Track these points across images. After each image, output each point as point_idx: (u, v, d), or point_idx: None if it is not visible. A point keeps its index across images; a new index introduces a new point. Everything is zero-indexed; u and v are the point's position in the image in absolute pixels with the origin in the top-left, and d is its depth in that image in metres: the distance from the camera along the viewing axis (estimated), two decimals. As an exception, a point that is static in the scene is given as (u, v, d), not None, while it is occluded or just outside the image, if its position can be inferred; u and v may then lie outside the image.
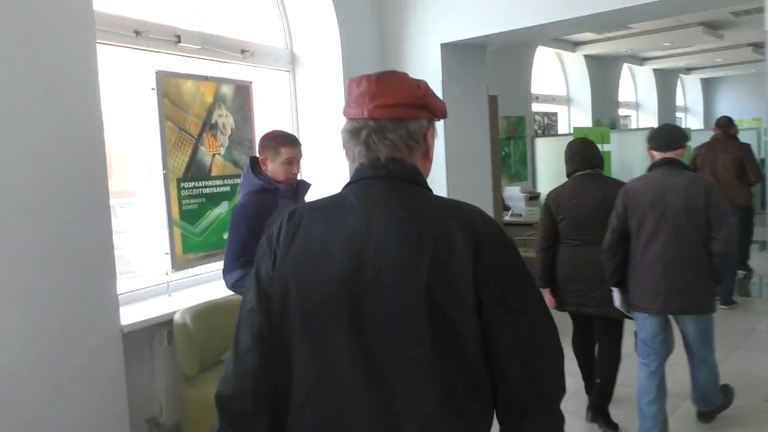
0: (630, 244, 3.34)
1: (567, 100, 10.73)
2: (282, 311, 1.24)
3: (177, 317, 3.25)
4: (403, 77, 1.34)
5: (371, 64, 5.14)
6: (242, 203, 2.84)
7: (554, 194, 3.77)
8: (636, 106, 13.01)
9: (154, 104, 3.74)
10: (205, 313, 3.36)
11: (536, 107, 9.74)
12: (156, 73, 3.75)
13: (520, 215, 7.64)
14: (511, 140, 8.64)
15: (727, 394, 3.71)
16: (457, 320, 1.18)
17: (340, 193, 1.33)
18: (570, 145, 3.84)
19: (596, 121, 10.26)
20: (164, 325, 3.41)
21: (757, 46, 11.34)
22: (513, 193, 7.96)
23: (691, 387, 3.56)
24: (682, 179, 3.23)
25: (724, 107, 15.12)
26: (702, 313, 3.31)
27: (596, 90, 10.60)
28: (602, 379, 3.65)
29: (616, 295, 3.40)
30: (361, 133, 1.28)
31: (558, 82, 10.65)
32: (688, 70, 14.18)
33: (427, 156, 1.36)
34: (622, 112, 12.12)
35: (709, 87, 15.83)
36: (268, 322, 1.26)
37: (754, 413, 3.81)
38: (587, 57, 10.47)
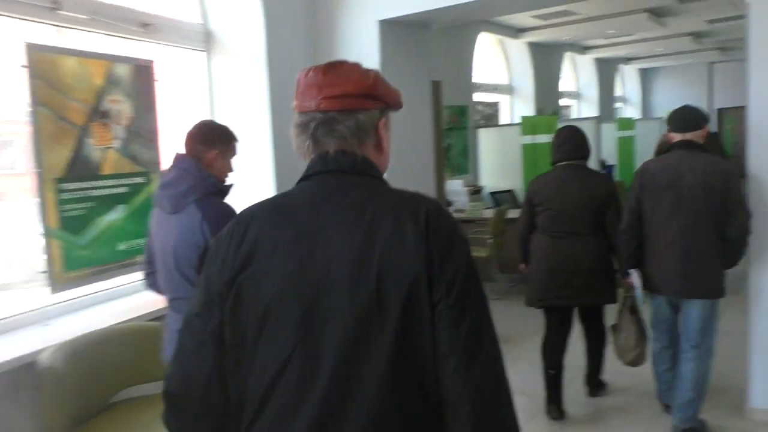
0: (644, 226, 3.35)
1: (509, 89, 10.32)
2: (233, 317, 1.20)
3: (43, 358, 2.53)
4: (353, 66, 1.29)
5: (300, 44, 4.50)
6: (219, 210, 2.34)
7: (537, 183, 3.73)
8: (577, 95, 12.76)
9: (26, 86, 3.00)
10: (87, 348, 2.67)
11: (477, 97, 9.26)
12: (27, 46, 3.00)
13: (464, 211, 7.14)
14: (453, 131, 8.14)
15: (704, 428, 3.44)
16: (411, 320, 1.13)
17: (290, 190, 1.30)
18: (559, 133, 3.76)
19: (539, 111, 9.88)
20: (34, 366, 2.69)
21: (697, 35, 11.24)
22: (455, 187, 7.43)
23: (669, 380, 3.51)
24: (700, 162, 3.19)
25: (662, 97, 15.19)
26: (712, 297, 3.25)
27: (539, 79, 10.24)
28: (596, 355, 3.90)
29: (635, 277, 3.48)
30: (309, 126, 1.26)
31: (500, 71, 10.22)
32: (628, 60, 14.01)
33: (381, 148, 1.32)
34: (563, 102, 11.82)
35: (647, 77, 15.74)
36: (213, 330, 1.22)
37: None
38: (530, 45, 10.08)
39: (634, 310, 3.65)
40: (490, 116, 10.62)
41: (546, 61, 10.58)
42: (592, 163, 7.49)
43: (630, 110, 15.07)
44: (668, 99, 14.79)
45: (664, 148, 3.55)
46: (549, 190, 3.60)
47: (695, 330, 3.27)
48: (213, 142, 2.46)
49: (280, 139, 4.20)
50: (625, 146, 9.27)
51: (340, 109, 1.24)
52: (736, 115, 14.12)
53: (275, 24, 4.24)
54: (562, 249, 3.55)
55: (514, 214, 5.92)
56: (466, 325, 1.14)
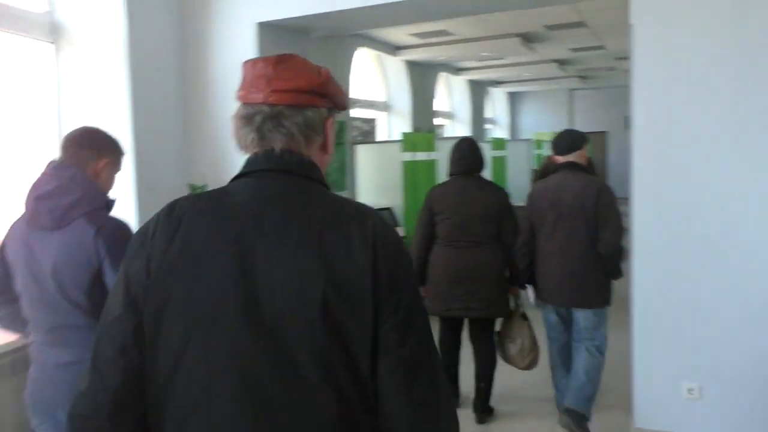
0: (536, 241, 3.62)
1: (386, 106, 10.26)
2: (157, 321, 1.11)
3: None
4: (304, 62, 1.25)
5: (167, 43, 4.05)
6: (116, 225, 2.05)
7: (436, 193, 3.77)
8: (451, 115, 13.00)
9: None
10: None
11: (354, 112, 9.09)
12: None
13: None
14: (330, 146, 7.88)
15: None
16: (353, 331, 1.09)
17: (228, 185, 1.22)
18: (457, 146, 3.81)
19: (416, 129, 9.89)
20: None
21: (562, 62, 11.83)
22: (334, 204, 7.16)
23: (566, 385, 3.69)
24: (577, 182, 3.45)
25: (529, 120, 15.96)
26: (594, 307, 3.50)
27: (416, 97, 10.27)
28: (488, 378, 3.82)
29: (530, 290, 3.72)
30: (254, 118, 1.20)
31: (377, 88, 10.14)
32: (498, 83, 14.54)
33: (326, 148, 1.29)
34: (437, 121, 11.97)
35: (514, 100, 16.53)
36: (136, 333, 1.13)
37: None
38: (408, 63, 10.09)
39: (525, 317, 3.83)
40: (367, 133, 10.49)
41: (422, 79, 10.66)
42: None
43: (499, 131, 15.61)
44: (534, 122, 15.60)
45: (551, 169, 3.87)
46: (450, 200, 3.65)
47: (585, 329, 3.57)
48: (104, 150, 2.17)
49: (144, 146, 3.74)
50: (498, 165, 9.47)
51: (289, 104, 1.20)
52: (594, 139, 15.03)
53: (137, 21, 3.80)
54: (464, 258, 3.61)
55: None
56: (412, 343, 1.12)
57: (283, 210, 1.15)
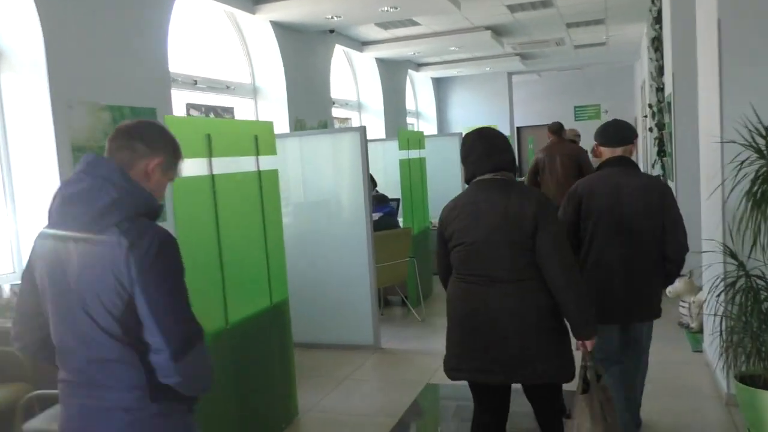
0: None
1: (358, 106, 10.21)
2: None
3: None
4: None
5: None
6: (156, 237, 1.63)
7: (446, 209, 2.65)
8: (416, 114, 12.99)
9: None
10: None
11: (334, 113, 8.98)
12: None
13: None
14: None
15: None
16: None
17: None
18: (466, 140, 2.64)
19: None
20: None
21: (497, 31, 10.28)
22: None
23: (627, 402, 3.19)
24: (639, 180, 3.03)
25: (459, 112, 13.91)
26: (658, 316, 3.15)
27: (388, 96, 10.22)
28: None
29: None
30: None
31: (349, 87, 10.07)
32: (419, 65, 12.13)
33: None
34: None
35: (441, 88, 14.11)
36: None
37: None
38: (378, 61, 10.05)
39: (599, 378, 2.64)
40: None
41: (393, 77, 10.60)
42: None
43: (425, 126, 13.47)
44: (466, 114, 13.66)
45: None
46: (460, 217, 2.55)
47: (643, 341, 3.24)
48: (158, 146, 1.77)
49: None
50: (414, 168, 9.15)
51: None
52: (537, 134, 14.38)
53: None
54: (484, 300, 2.48)
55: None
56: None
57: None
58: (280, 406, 3.69)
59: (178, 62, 5.74)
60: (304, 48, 7.64)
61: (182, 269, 1.65)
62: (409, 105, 12.42)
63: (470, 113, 13.44)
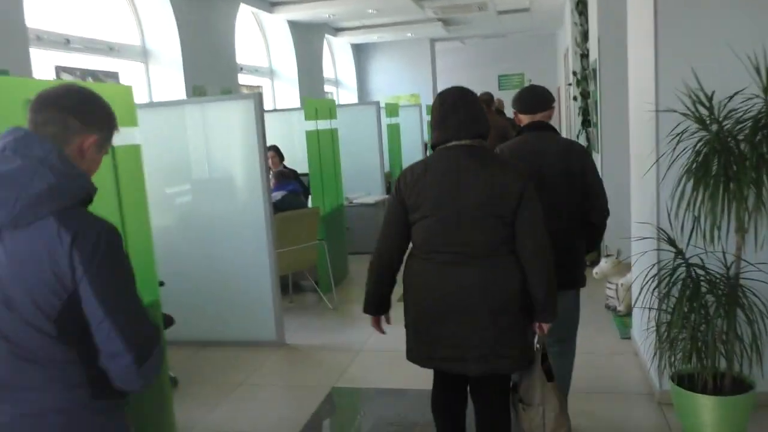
0: None
1: (270, 73, 9.46)
2: None
3: None
4: None
5: None
6: (101, 230, 1.45)
7: (408, 174, 2.36)
8: (335, 82, 12.35)
9: None
10: None
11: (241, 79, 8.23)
12: None
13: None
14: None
15: None
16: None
17: None
18: (445, 99, 2.36)
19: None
20: None
21: (447, 22, 11.41)
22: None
23: None
24: (557, 144, 2.89)
25: (379, 80, 13.61)
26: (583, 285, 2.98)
27: (303, 62, 9.52)
28: None
29: None
30: None
31: (261, 53, 9.30)
32: (337, 30, 11.66)
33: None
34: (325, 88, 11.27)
35: (361, 54, 13.67)
36: None
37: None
38: (291, 24, 9.32)
39: (550, 373, 2.52)
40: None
41: (308, 42, 9.91)
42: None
43: (344, 95, 13.04)
44: (387, 82, 13.40)
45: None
46: (430, 185, 2.31)
47: (562, 321, 2.69)
48: (94, 121, 1.55)
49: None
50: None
51: None
52: None
53: None
54: (456, 280, 2.29)
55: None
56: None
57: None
58: (151, 427, 3.09)
59: (48, 18, 4.97)
60: (202, 4, 6.88)
61: (131, 264, 1.50)
62: (328, 73, 11.81)
63: (393, 82, 13.16)
